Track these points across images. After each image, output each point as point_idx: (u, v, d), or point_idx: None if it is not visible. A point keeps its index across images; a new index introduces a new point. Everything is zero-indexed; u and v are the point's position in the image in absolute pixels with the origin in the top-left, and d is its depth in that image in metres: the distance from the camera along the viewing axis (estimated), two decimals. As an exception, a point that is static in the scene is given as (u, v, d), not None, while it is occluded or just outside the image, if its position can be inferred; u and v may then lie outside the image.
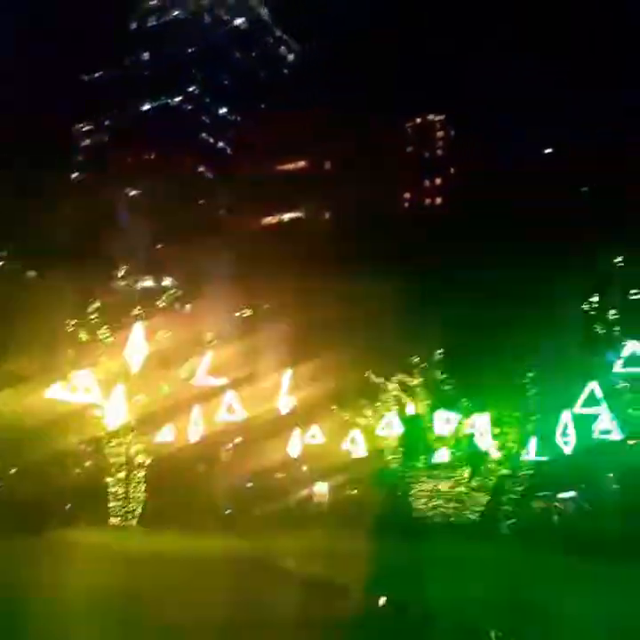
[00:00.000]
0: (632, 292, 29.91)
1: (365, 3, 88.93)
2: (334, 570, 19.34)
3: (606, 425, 31.20)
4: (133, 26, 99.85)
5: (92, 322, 30.65)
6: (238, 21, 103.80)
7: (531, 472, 33.16)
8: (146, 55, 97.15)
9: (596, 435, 31.72)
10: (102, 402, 30.28)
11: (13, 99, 63.54)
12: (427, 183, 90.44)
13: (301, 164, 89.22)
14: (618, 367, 30.34)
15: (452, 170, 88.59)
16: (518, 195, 56.03)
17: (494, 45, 75.91)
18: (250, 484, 37.94)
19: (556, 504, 36.61)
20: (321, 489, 40.56)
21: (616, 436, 31.36)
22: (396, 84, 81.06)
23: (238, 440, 37.57)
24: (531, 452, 33.26)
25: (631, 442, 31.19)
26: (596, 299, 30.58)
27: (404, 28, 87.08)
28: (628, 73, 62.64)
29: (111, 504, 30.21)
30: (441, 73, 76.79)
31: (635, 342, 29.58)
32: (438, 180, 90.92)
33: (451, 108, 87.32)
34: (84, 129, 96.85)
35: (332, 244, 61.73)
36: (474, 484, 34.17)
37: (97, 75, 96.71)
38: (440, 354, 35.43)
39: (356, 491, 40.22)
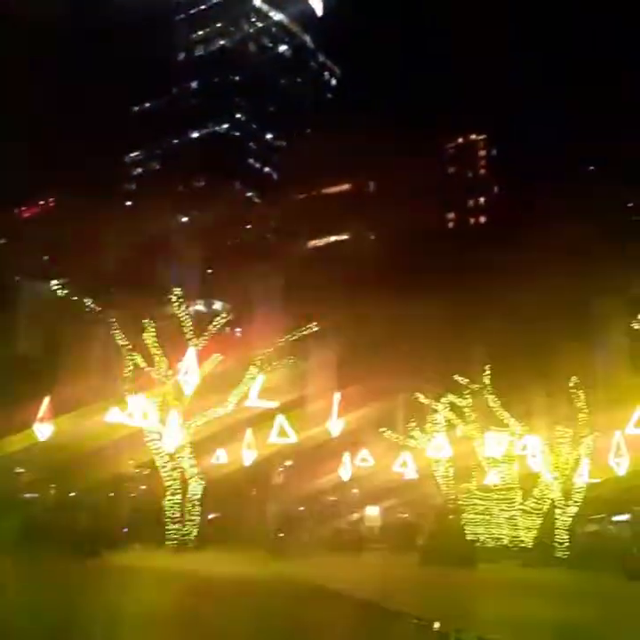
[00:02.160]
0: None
1: (406, 25, 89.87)
2: (387, 594, 19.42)
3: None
4: (181, 56, 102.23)
5: (147, 347, 31.45)
6: (282, 48, 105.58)
7: (583, 494, 32.78)
8: (194, 84, 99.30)
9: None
10: (158, 426, 30.98)
11: (67, 131, 65.59)
12: (470, 202, 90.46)
13: (346, 186, 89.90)
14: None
15: (495, 188, 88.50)
16: (563, 212, 55.75)
17: (535, 64, 75.79)
18: (301, 508, 38.17)
19: (610, 527, 36.03)
20: (372, 512, 40.54)
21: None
22: (437, 104, 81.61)
23: (289, 463, 37.90)
24: (583, 474, 32.87)
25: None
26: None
27: (447, 49, 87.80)
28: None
29: (167, 527, 30.70)
30: (483, 92, 76.82)
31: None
32: (481, 199, 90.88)
33: (492, 127, 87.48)
34: (134, 158, 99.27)
35: (377, 266, 62.01)
36: (526, 506, 33.93)
37: (147, 105, 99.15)
38: (489, 374, 35.31)
39: (407, 514, 40.13)
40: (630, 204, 60.30)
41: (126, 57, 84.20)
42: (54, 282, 41.75)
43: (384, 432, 37.00)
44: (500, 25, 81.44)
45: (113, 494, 37.70)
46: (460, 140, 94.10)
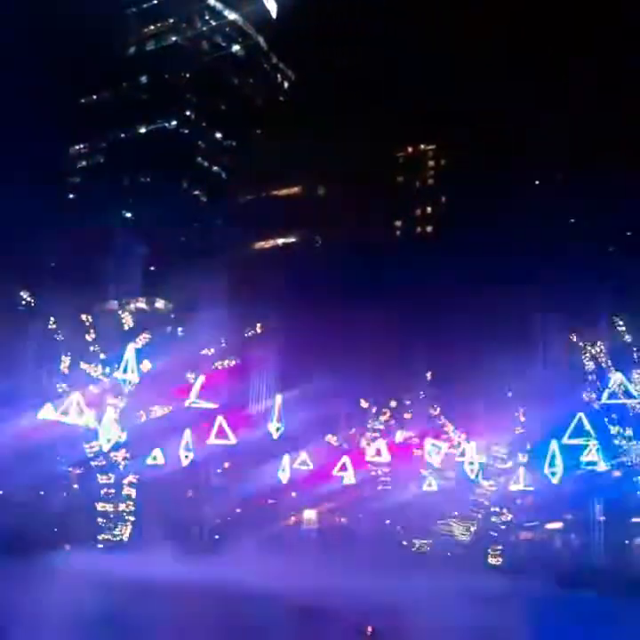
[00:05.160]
0: (618, 323, 30.34)
1: (360, 31, 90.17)
2: (323, 597, 19.37)
3: (593, 456, 31.43)
4: (132, 50, 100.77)
5: (85, 343, 30.81)
6: (235, 48, 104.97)
7: (518, 502, 33.30)
8: (143, 79, 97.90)
9: (582, 465, 31.93)
10: (93, 424, 30.35)
11: (11, 120, 63.92)
12: (418, 212, 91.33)
13: (295, 189, 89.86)
14: (604, 399, 30.67)
15: (443, 198, 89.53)
16: (508, 223, 56.62)
17: (487, 74, 76.82)
18: (238, 510, 37.80)
19: (543, 535, 36.64)
20: (310, 515, 40.43)
21: (602, 466, 31.59)
22: (389, 112, 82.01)
23: (228, 465, 37.51)
24: (518, 482, 33.40)
25: (616, 473, 31.40)
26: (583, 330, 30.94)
27: (398, 57, 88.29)
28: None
29: (99, 527, 30.12)
30: (434, 102, 77.56)
31: (620, 374, 29.96)
32: (429, 209, 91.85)
33: (442, 138, 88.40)
34: (79, 151, 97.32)
35: (324, 271, 62.03)
36: (462, 513, 34.28)
37: (94, 97, 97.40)
38: (430, 383, 35.70)
39: (345, 518, 40.12)
40: (572, 220, 61.61)
41: (76, 49, 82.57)
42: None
43: (325, 436, 36.99)
44: (458, 33, 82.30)
45: (43, 493, 36.66)
46: (410, 149, 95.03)
